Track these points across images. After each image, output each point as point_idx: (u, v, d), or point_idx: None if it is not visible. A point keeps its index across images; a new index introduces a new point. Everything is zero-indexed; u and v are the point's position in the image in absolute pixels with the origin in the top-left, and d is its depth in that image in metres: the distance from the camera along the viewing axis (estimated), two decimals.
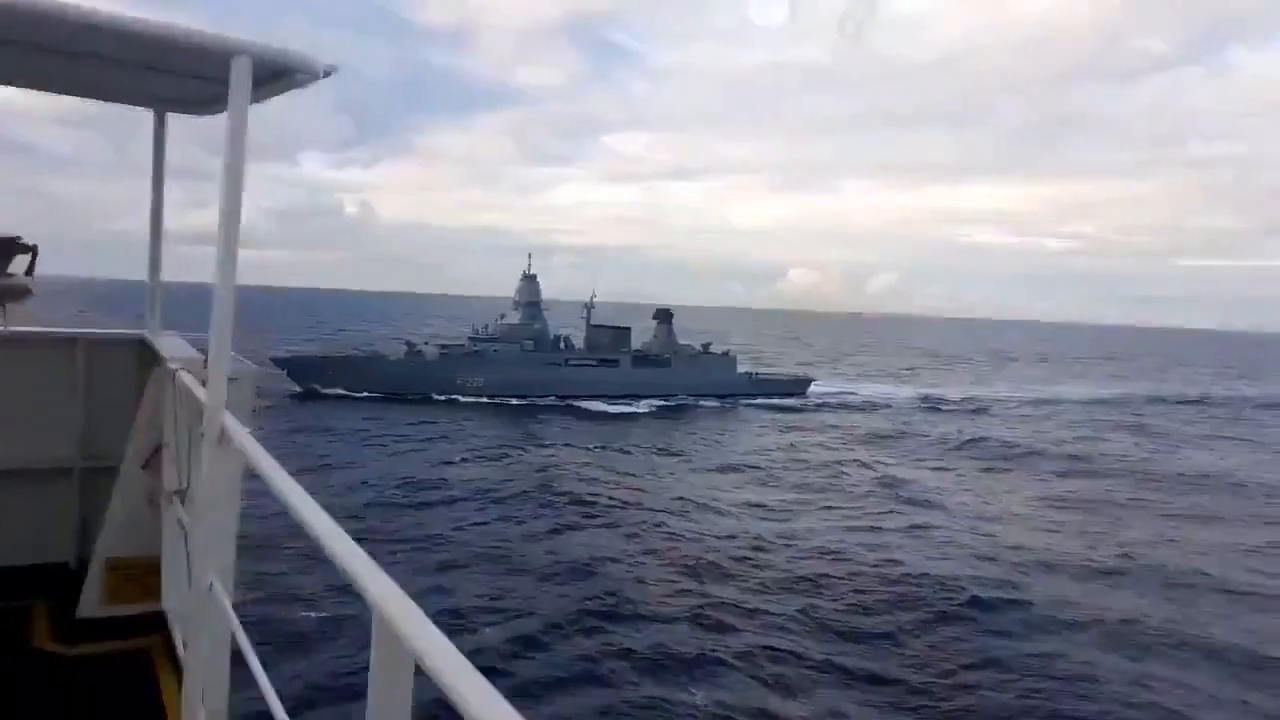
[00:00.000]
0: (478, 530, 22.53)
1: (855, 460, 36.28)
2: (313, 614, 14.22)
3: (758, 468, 33.93)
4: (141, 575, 4.07)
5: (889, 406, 57.09)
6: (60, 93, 3.96)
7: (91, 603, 4.12)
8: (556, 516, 24.39)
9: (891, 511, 27.18)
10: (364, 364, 51.76)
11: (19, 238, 4.37)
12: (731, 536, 23.15)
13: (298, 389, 48.17)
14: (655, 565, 20.36)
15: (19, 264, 4.44)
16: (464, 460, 32.24)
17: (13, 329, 4.61)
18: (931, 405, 58.02)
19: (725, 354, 60.96)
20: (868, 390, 64.63)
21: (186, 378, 3.40)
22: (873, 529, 24.78)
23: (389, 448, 34.17)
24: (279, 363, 49.13)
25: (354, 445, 34.29)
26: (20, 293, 4.40)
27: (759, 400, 56.48)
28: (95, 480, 4.62)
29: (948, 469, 35.61)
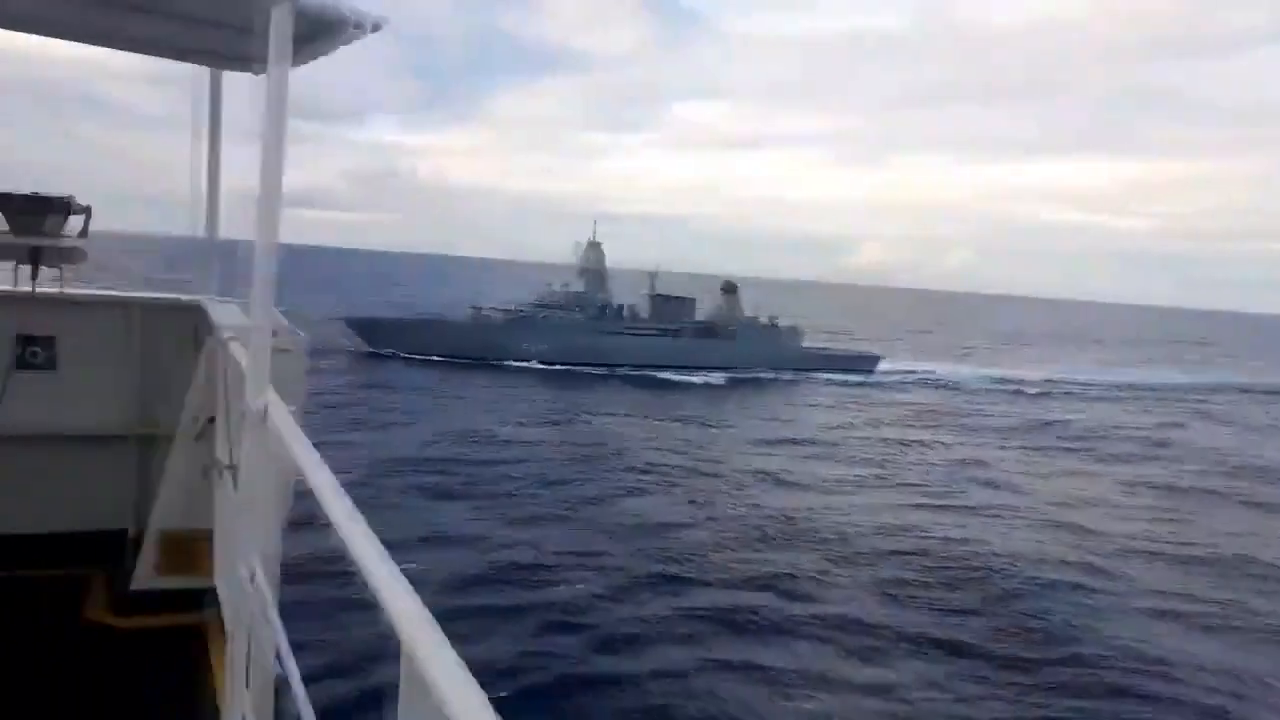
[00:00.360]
0: (537, 494, 22.52)
1: (926, 440, 35.24)
2: (360, 613, 13.74)
3: (824, 443, 33.23)
4: (194, 549, 3.93)
5: (960, 386, 55.44)
6: (116, 48, 3.89)
7: (145, 575, 4.02)
8: (619, 483, 24.30)
9: (963, 491, 26.48)
10: (428, 327, 52.24)
11: (72, 198, 4.29)
12: (799, 509, 22.74)
13: (365, 349, 48.94)
14: (722, 533, 20.15)
15: (74, 225, 4.37)
16: (524, 424, 32.40)
17: (69, 292, 4.55)
18: (1005, 386, 56.08)
19: (791, 328, 59.89)
20: (938, 369, 62.73)
21: (236, 348, 3.18)
22: (944, 508, 24.16)
23: (449, 409, 34.48)
24: (347, 323, 50.12)
25: (416, 405, 34.64)
26: (75, 255, 4.33)
27: (825, 376, 55.43)
28: (152, 448, 4.52)
29: (1021, 451, 34.35)
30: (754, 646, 14.13)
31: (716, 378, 51.23)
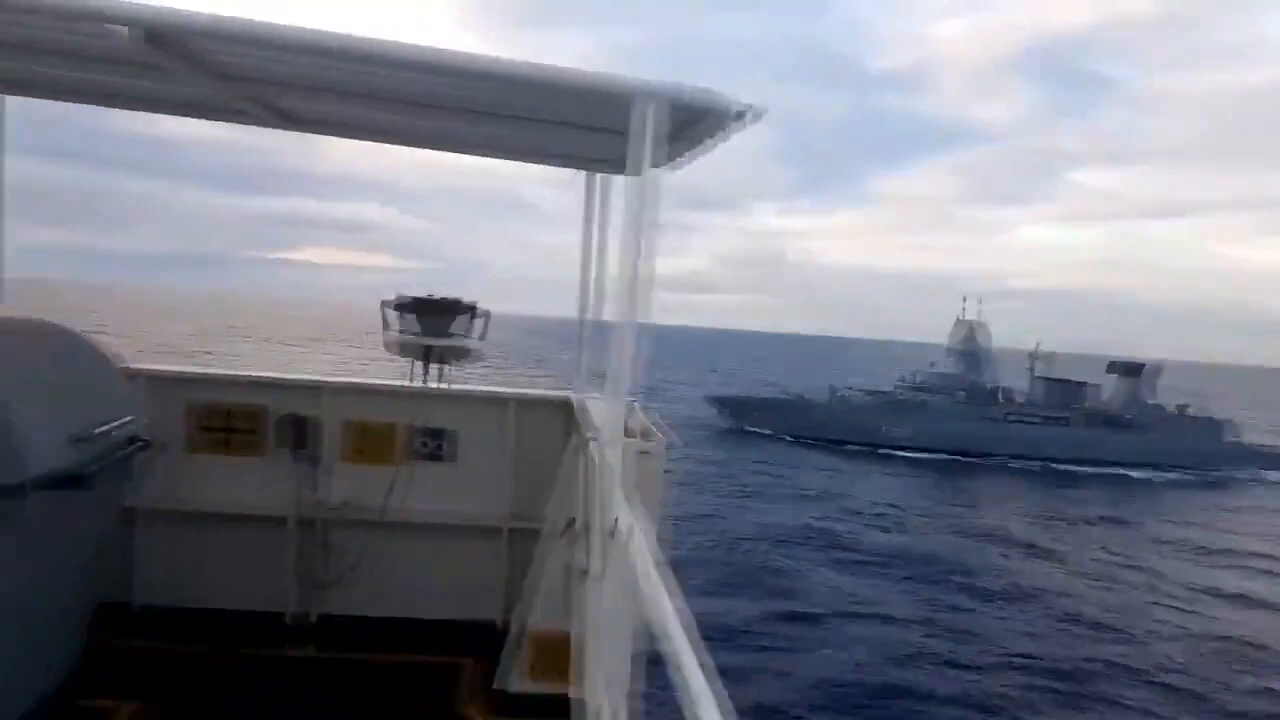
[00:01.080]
0: (937, 581, 21.41)
1: None
2: None
3: (1265, 556, 27.38)
4: (558, 653, 3.84)
5: None
6: (495, 157, 4.24)
7: (509, 675, 4.08)
8: (1028, 580, 22.26)
9: None
10: (789, 406, 52.43)
11: (460, 300, 4.65)
12: (1268, 632, 19.03)
13: (729, 426, 50.47)
14: (1171, 651, 17.44)
15: (460, 325, 4.71)
16: (884, 514, 30.73)
17: (458, 388, 4.87)
18: None
19: (1209, 418, 50.74)
20: None
21: (596, 448, 3.10)
22: None
23: (807, 491, 33.89)
24: (713, 401, 52.51)
25: (773, 485, 34.57)
26: (464, 353, 4.66)
27: (1258, 476, 46.00)
28: (523, 542, 4.65)
29: None
30: None
31: (1139, 473, 44.78)
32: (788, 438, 48.73)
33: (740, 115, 2.36)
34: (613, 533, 2.22)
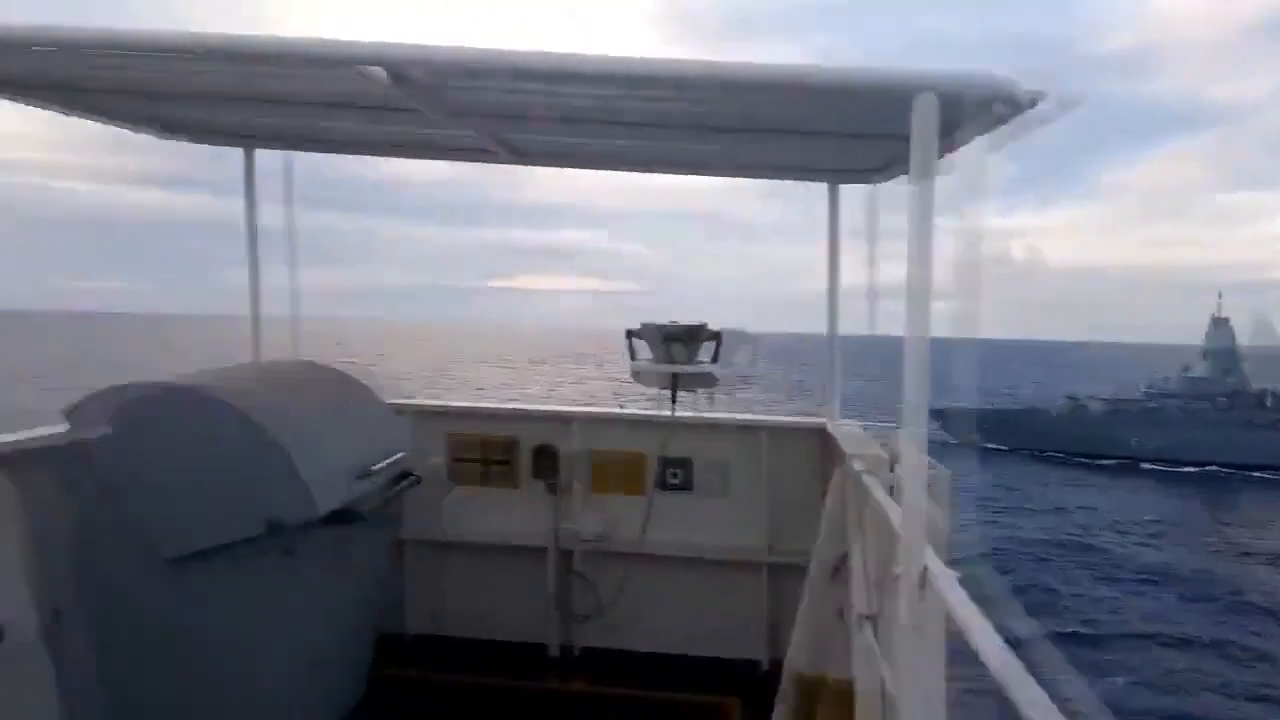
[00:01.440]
0: (1166, 613, 20.10)
1: None
2: None
3: None
4: (837, 701, 3.43)
5: None
6: (737, 176, 4.34)
7: None
8: (1272, 612, 20.36)
9: None
10: (1020, 418, 49.70)
11: (705, 325, 4.55)
12: None
13: (950, 441, 48.33)
14: None
15: (706, 351, 4.57)
16: (1134, 536, 28.77)
17: (703, 415, 4.75)
18: None
19: None
20: None
21: (869, 483, 2.89)
22: None
23: (1050, 508, 32.40)
24: (933, 414, 49.83)
25: (1012, 501, 33.34)
26: (708, 380, 4.55)
27: None
28: (783, 578, 4.55)
29: None
30: None
31: None
32: (1024, 451, 46.33)
33: (1033, 103, 1.99)
34: (922, 581, 1.97)
